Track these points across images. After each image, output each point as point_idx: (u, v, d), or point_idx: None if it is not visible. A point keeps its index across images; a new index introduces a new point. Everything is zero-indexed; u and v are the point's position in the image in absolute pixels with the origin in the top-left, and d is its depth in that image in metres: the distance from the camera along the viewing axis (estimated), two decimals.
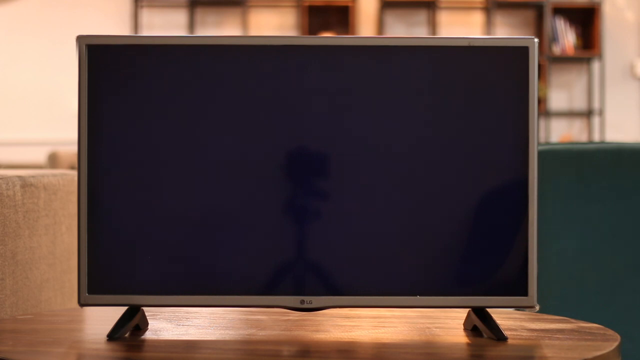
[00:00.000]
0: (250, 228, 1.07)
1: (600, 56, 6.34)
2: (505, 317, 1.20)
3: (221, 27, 6.52)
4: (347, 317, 1.20)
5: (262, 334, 1.10)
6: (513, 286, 1.08)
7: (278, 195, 1.07)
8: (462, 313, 1.16)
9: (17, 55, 6.50)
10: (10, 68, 6.49)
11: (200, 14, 6.56)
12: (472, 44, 1.08)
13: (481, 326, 1.09)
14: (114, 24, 6.50)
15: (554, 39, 6.38)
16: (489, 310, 1.09)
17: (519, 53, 1.08)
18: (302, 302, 1.07)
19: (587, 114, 6.53)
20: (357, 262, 1.08)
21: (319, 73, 1.08)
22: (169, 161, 1.08)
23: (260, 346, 1.04)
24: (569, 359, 0.97)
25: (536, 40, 1.08)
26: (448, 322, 1.18)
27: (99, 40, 1.08)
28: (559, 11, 6.40)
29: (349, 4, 6.38)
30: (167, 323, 1.15)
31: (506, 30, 6.48)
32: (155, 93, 1.08)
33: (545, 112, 6.38)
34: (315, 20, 6.45)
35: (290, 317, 1.18)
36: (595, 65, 6.52)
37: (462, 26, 6.53)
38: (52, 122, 6.41)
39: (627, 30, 6.60)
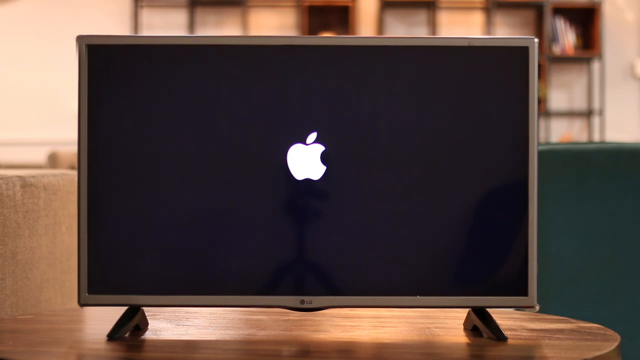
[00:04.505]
0: (251, 228, 1.07)
1: (600, 56, 6.35)
2: (505, 317, 1.20)
3: (221, 27, 6.52)
4: (347, 317, 1.20)
5: (262, 334, 1.10)
6: (513, 286, 1.08)
7: (278, 195, 1.07)
8: (462, 313, 1.16)
9: (17, 55, 6.50)
10: (10, 68, 6.49)
11: (200, 14, 6.57)
12: (472, 44, 1.08)
13: (481, 326, 1.09)
14: (114, 24, 6.50)
15: (554, 39, 6.38)
16: (489, 310, 1.09)
17: (519, 53, 1.08)
18: (302, 302, 1.07)
19: (587, 114, 6.53)
20: (357, 262, 1.08)
21: (319, 73, 1.08)
22: (168, 161, 1.08)
23: (260, 346, 1.04)
24: (569, 359, 0.97)
25: (536, 40, 1.08)
26: (448, 322, 1.18)
27: (99, 40, 1.08)
28: (559, 11, 6.41)
29: (349, 4, 6.38)
30: (167, 323, 1.15)
31: (506, 30, 6.49)
32: (156, 93, 1.08)
33: (545, 112, 6.38)
34: (315, 20, 6.45)
35: (290, 317, 1.18)
36: (595, 65, 6.52)
37: (462, 26, 6.53)
38: (52, 122, 6.41)
39: (627, 30, 6.60)
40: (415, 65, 1.08)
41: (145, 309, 1.12)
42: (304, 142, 1.07)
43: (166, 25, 6.56)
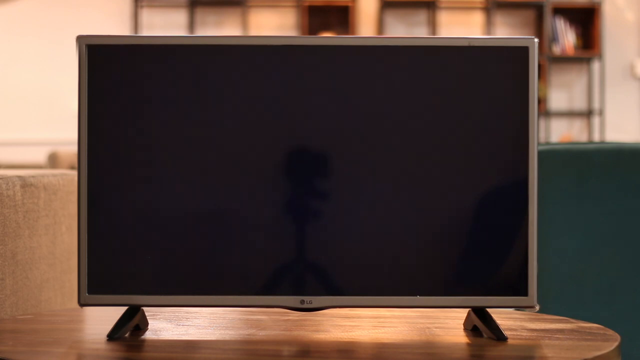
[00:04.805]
0: (251, 228, 1.07)
1: (600, 56, 6.35)
2: (505, 317, 1.20)
3: (221, 27, 6.52)
4: (347, 317, 1.20)
5: (262, 334, 1.10)
6: (513, 286, 1.08)
7: (278, 195, 1.07)
8: (462, 313, 1.16)
9: (17, 55, 6.50)
10: (10, 68, 6.49)
11: (200, 14, 6.56)
12: (472, 44, 1.08)
13: (481, 326, 1.09)
14: (114, 24, 6.50)
15: (554, 39, 6.38)
16: (489, 310, 1.09)
17: (519, 53, 1.08)
18: (302, 302, 1.07)
19: (587, 114, 6.53)
20: (357, 262, 1.08)
21: (319, 73, 1.08)
22: (168, 161, 1.08)
23: (260, 346, 1.04)
24: (569, 359, 0.97)
25: (536, 40, 1.08)
26: (448, 322, 1.17)
27: (99, 40, 1.08)
28: (559, 11, 6.41)
29: (349, 4, 6.38)
30: (167, 323, 1.15)
31: (506, 30, 6.48)
32: (155, 93, 1.08)
33: (545, 112, 6.38)
34: (315, 20, 6.45)
35: (290, 317, 1.18)
36: (595, 65, 6.52)
37: (462, 26, 6.53)
38: (52, 122, 6.41)
39: (627, 30, 6.60)
40: (415, 65, 1.08)
41: (145, 309, 1.12)
42: (304, 142, 1.07)
43: (166, 25, 6.56)
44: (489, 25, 6.40)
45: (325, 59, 1.08)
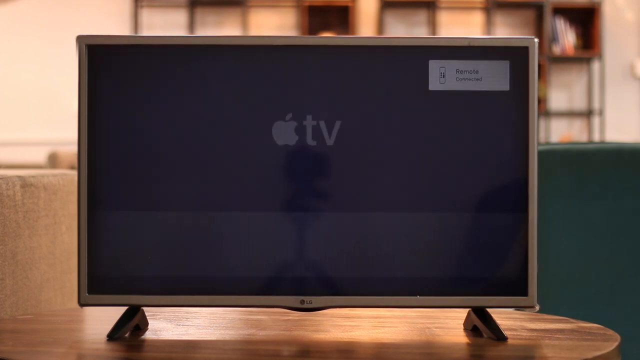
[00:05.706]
0: (251, 228, 1.07)
1: (600, 56, 6.35)
2: (505, 317, 1.20)
3: (221, 27, 6.52)
4: (347, 317, 1.20)
5: (262, 334, 1.10)
6: (513, 286, 1.08)
7: (278, 195, 1.07)
8: (462, 313, 1.16)
9: (17, 55, 6.50)
10: (10, 68, 6.50)
11: (200, 14, 6.57)
12: (472, 44, 1.08)
13: (481, 326, 1.09)
14: (114, 24, 6.50)
15: (554, 39, 6.38)
16: (489, 310, 1.09)
17: (519, 53, 1.08)
18: (302, 302, 1.07)
19: (587, 114, 6.53)
20: (357, 262, 1.07)
21: (319, 73, 1.08)
22: (168, 161, 1.08)
23: (260, 346, 1.04)
24: (569, 359, 0.97)
25: (536, 40, 1.08)
26: (448, 322, 1.17)
27: (99, 40, 1.08)
28: (559, 11, 6.41)
29: (349, 4, 6.38)
30: (167, 323, 1.15)
31: (506, 30, 6.49)
32: (156, 93, 1.08)
33: (545, 112, 6.38)
34: (315, 20, 6.46)
35: (290, 317, 1.18)
36: (595, 65, 6.52)
37: (462, 26, 6.54)
38: (52, 122, 6.41)
39: (627, 30, 6.60)
40: (415, 65, 1.08)
41: (145, 309, 1.12)
42: (305, 143, 1.07)
43: (166, 25, 6.56)
44: (489, 25, 6.40)
45: (325, 59, 1.08)
